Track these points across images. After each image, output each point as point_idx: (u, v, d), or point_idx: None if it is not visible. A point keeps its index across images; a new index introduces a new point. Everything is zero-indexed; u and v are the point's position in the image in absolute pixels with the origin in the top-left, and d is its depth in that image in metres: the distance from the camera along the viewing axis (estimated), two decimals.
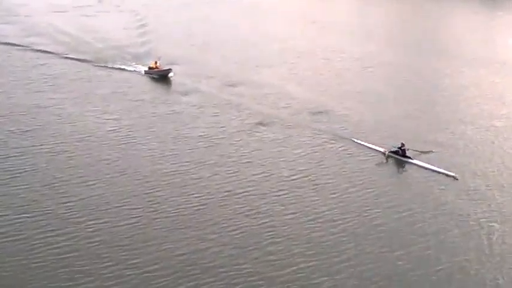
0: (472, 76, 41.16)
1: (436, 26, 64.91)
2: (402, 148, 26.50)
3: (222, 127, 27.99)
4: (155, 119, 28.72)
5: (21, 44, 41.58)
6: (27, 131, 26.15)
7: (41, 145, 24.81)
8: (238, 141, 26.56)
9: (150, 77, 35.71)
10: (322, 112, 31.12)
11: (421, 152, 26.46)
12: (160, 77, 35.32)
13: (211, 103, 31.48)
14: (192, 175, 22.45)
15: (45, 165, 22.78)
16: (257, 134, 27.52)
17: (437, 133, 29.32)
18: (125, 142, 25.66)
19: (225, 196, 21.18)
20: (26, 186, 20.65)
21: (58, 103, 30.21)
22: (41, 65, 37.17)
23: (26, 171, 22.02)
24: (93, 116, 28.63)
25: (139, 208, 19.72)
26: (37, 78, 34.52)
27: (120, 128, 27.28)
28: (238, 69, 39.00)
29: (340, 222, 19.92)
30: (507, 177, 24.66)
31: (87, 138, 25.67)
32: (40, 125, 27.09)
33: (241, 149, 25.65)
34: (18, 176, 21.54)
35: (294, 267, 16.89)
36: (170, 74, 35.03)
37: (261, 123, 28.78)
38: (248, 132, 27.85)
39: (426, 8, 74.15)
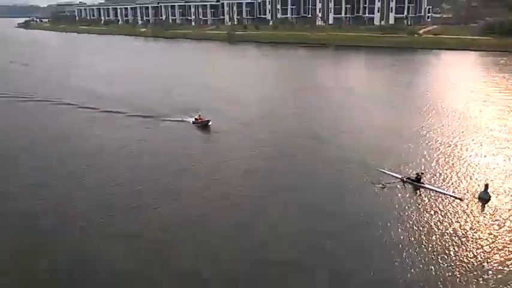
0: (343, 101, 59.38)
1: (307, 72, 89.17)
2: (418, 177, 29.46)
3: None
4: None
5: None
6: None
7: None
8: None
9: (196, 125, 46.00)
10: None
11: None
12: (203, 126, 45.39)
13: None
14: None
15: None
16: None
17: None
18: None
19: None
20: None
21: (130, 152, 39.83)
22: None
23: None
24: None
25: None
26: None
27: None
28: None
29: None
30: None
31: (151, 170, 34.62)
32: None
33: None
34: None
35: None
36: (209, 123, 45.04)
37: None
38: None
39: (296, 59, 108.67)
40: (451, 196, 28.15)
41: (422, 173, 30.17)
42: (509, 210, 26.89)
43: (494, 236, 24.29)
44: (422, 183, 29.64)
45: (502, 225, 25.29)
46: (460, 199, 27.70)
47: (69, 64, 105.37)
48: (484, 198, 28.21)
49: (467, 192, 29.24)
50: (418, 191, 29.43)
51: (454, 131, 43.14)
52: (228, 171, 33.79)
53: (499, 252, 22.77)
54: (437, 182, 30.68)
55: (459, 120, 46.82)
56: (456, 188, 29.84)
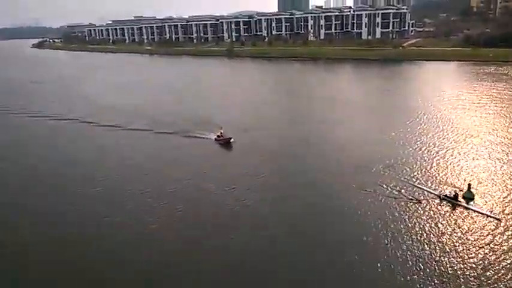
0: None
1: (303, 84, 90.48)
2: (455, 195, 27.19)
3: None
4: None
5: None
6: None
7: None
8: None
9: (218, 142, 43.88)
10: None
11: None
12: (225, 142, 43.53)
13: None
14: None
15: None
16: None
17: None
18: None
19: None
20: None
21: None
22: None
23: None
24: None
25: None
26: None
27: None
28: None
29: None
30: None
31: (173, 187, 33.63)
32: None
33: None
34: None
35: None
36: (231, 140, 43.53)
37: None
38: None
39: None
40: (489, 216, 25.81)
41: (460, 191, 27.86)
42: None
43: None
44: (460, 201, 27.31)
45: None
46: (499, 219, 25.36)
47: (95, 81, 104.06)
48: (468, 197, 27.77)
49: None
50: (455, 209, 27.07)
51: (445, 136, 43.54)
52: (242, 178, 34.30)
53: None
54: (427, 182, 30.36)
55: (448, 126, 47.35)
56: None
